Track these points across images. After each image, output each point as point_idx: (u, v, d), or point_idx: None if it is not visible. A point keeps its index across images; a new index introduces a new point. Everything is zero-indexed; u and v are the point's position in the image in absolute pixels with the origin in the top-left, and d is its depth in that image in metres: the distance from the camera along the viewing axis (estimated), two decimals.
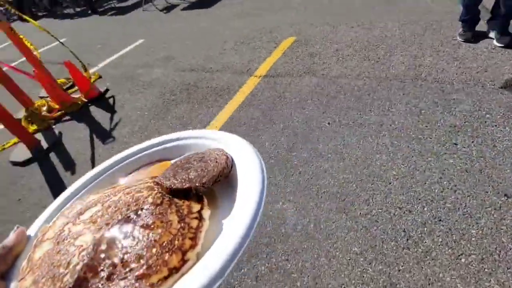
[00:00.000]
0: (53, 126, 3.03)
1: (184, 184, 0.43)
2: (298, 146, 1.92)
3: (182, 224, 0.37)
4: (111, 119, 2.89)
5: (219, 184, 0.45)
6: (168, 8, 6.17)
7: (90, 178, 0.55)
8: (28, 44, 3.28)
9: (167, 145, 0.60)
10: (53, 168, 2.48)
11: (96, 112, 3.08)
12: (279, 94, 2.47)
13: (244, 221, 0.35)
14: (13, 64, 4.96)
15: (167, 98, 2.93)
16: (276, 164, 1.87)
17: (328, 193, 1.60)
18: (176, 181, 0.44)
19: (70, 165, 2.45)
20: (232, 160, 0.48)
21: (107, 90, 3.41)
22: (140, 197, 0.42)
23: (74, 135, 2.82)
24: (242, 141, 0.51)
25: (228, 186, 0.45)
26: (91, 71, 4.05)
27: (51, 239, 0.37)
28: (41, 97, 3.62)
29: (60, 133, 2.89)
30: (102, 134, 2.70)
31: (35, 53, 3.36)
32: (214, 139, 0.55)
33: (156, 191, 0.43)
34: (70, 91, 3.64)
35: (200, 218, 0.39)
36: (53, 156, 2.61)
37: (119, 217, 0.38)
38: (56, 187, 2.28)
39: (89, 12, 7.83)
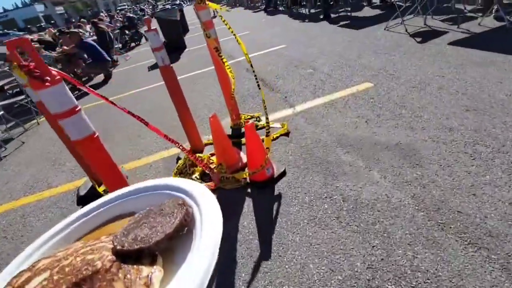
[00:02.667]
0: None
1: (134, 245, 0.42)
2: None
3: None
4: (270, 249, 1.47)
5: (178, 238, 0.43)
6: (426, 36, 4.02)
7: (48, 238, 0.54)
8: (229, 71, 2.29)
9: (130, 198, 0.59)
10: None
11: (253, 210, 1.77)
12: None
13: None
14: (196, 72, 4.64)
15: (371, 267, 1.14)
16: None
17: None
18: (126, 243, 0.43)
19: None
20: (192, 213, 0.48)
21: (283, 174, 2.01)
22: (90, 262, 0.41)
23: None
24: (204, 190, 0.51)
25: (188, 239, 0.44)
26: (279, 115, 2.81)
27: None
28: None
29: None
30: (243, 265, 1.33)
31: (232, 86, 2.38)
32: (178, 189, 0.55)
33: (108, 254, 0.42)
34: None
35: (149, 284, 0.37)
36: None
37: (64, 287, 0.37)
38: None
39: (321, 17, 6.85)
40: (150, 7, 22.52)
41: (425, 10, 4.53)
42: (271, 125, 2.65)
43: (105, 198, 0.61)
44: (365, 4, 7.10)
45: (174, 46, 7.11)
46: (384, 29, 4.71)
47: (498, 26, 3.67)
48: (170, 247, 0.45)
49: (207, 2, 2.05)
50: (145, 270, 0.40)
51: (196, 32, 10.04)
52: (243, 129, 2.71)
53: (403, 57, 3.44)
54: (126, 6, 32.71)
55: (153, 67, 6.47)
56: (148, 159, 2.69)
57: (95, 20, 7.89)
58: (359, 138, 2.17)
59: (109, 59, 6.16)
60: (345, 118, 2.49)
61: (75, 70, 6.35)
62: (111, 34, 7.72)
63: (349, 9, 6.62)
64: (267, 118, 1.98)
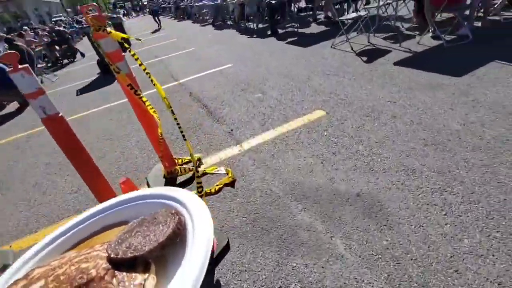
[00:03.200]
0: None
1: (128, 253, 0.43)
2: None
3: None
4: None
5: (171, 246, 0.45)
6: (371, 56, 3.96)
7: (42, 246, 0.56)
8: (152, 112, 1.76)
9: (124, 206, 0.61)
10: None
11: None
12: None
13: None
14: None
15: None
16: None
17: None
18: (120, 251, 0.44)
19: None
20: (184, 222, 0.49)
21: (226, 249, 1.55)
22: (84, 270, 0.42)
23: None
24: (197, 200, 0.53)
25: (180, 247, 0.45)
26: (224, 155, 2.35)
27: None
28: None
29: None
30: None
31: (159, 129, 1.88)
32: (172, 198, 0.56)
33: (102, 262, 0.43)
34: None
35: None
36: None
37: None
38: None
39: (269, 32, 6.66)
40: None
41: (368, 28, 4.53)
42: (214, 171, 2.18)
43: (99, 206, 0.62)
44: (311, 20, 7.12)
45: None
46: (331, 47, 4.61)
47: (436, 45, 3.73)
48: (163, 254, 0.45)
49: (108, 30, 1.53)
50: (139, 277, 0.40)
51: (141, 46, 9.22)
52: (180, 178, 2.20)
53: (352, 79, 3.27)
54: (63, 17, 29.81)
55: (82, 90, 5.59)
56: (50, 230, 2.01)
57: (10, 36, 6.67)
58: (316, 187, 1.82)
59: None
60: (298, 158, 2.13)
61: None
62: (31, 52, 6.58)
63: (296, 24, 6.54)
64: (198, 177, 1.51)
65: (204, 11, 12.14)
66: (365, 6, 5.16)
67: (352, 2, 5.37)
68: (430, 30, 3.92)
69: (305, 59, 4.33)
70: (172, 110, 1.72)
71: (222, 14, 10.28)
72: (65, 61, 9.60)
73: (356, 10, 5.59)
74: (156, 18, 13.69)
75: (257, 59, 4.90)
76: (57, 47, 9.41)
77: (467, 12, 3.81)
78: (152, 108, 1.77)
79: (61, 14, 32.78)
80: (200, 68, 5.06)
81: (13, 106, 5.47)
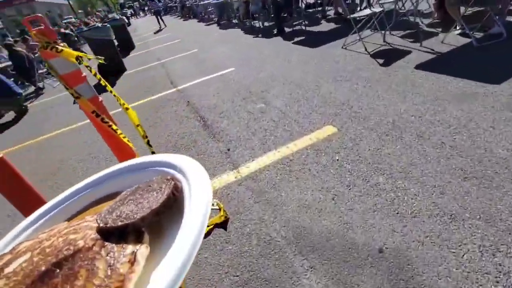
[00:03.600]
0: None
1: (117, 222, 0.40)
2: None
3: (109, 272, 0.34)
4: None
5: (167, 212, 0.41)
6: (388, 57, 3.51)
7: (32, 221, 0.54)
8: (126, 141, 1.44)
9: (119, 177, 0.57)
10: None
11: None
12: None
13: (172, 271, 0.32)
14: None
15: None
16: None
17: None
18: (110, 220, 0.41)
19: None
20: (181, 187, 0.46)
21: None
22: (71, 241, 0.39)
23: None
24: (195, 164, 0.49)
25: (177, 214, 0.42)
26: (219, 183, 1.99)
27: None
28: None
29: None
30: None
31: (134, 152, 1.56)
32: (169, 165, 0.52)
33: (91, 232, 0.40)
34: None
35: (133, 260, 0.35)
36: None
37: (43, 268, 0.35)
38: None
39: (275, 32, 6.25)
40: (98, 19, 20.58)
41: (383, 25, 4.07)
42: None
43: (94, 176, 0.59)
44: (320, 17, 6.65)
45: (110, 70, 6.03)
46: (342, 47, 4.17)
47: (463, 44, 3.25)
48: (159, 222, 0.42)
49: (59, 48, 1.20)
50: (130, 247, 0.38)
51: (144, 49, 8.98)
52: None
53: (367, 87, 2.85)
54: (73, 19, 30.10)
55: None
56: None
57: (9, 42, 6.52)
58: (326, 236, 1.45)
59: (19, 91, 4.93)
60: (304, 191, 1.76)
61: None
62: (31, 57, 6.40)
63: (304, 22, 6.09)
64: None
65: (210, 9, 11.78)
66: (380, 1, 4.67)
67: None
68: (458, 27, 3.43)
69: (314, 62, 3.92)
70: (148, 141, 1.41)
71: (227, 13, 9.90)
72: None
73: (370, 5, 5.10)
74: (159, 18, 13.45)
75: (262, 63, 4.52)
76: None
77: (499, 5, 3.29)
78: (125, 137, 1.46)
79: (71, 16, 33.09)
80: (201, 72, 4.73)
81: (11, 115, 5.29)
